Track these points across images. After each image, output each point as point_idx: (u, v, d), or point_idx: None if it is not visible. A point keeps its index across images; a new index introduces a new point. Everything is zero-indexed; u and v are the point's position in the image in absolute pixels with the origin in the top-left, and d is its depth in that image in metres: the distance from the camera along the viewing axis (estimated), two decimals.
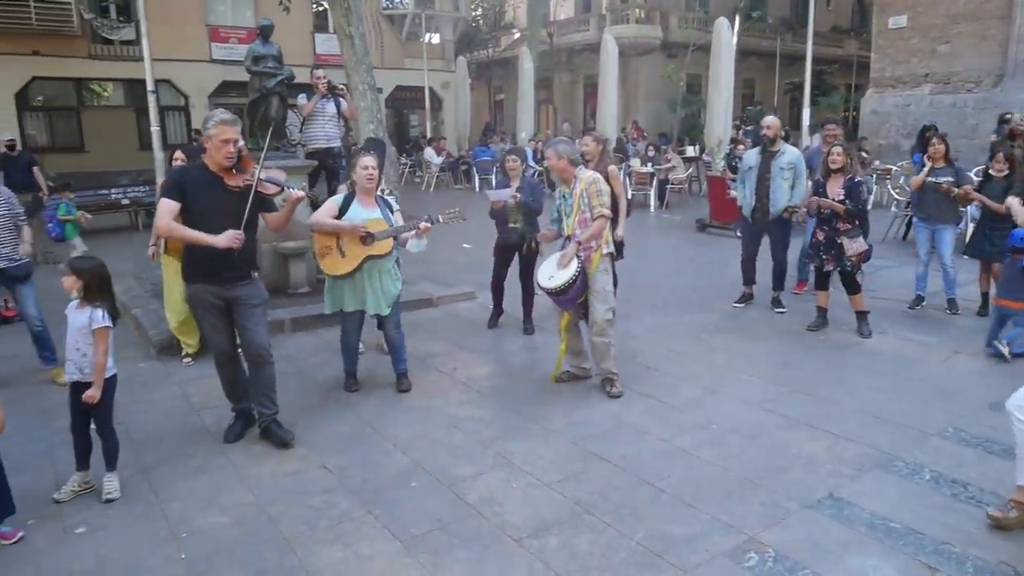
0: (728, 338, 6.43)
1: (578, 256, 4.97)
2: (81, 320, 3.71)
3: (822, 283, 6.57)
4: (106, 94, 21.03)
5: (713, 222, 12.28)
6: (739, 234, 8.21)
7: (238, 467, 4.15)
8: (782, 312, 7.10)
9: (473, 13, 31.24)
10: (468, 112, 23.76)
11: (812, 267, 6.61)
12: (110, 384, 3.83)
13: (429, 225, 5.02)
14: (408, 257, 6.13)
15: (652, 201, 15.15)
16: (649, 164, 15.88)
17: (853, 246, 6.14)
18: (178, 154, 5.84)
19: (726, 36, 14.96)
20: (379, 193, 5.18)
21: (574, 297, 5.03)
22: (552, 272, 5.04)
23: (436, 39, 26.63)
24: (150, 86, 12.21)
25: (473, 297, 7.79)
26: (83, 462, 3.84)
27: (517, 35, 32.29)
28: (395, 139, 21.75)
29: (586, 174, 5.10)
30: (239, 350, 4.44)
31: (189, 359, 5.92)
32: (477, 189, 18.73)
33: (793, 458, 4.16)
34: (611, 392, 5.14)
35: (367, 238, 4.88)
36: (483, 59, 31.80)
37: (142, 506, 3.75)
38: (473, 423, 4.70)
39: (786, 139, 7.29)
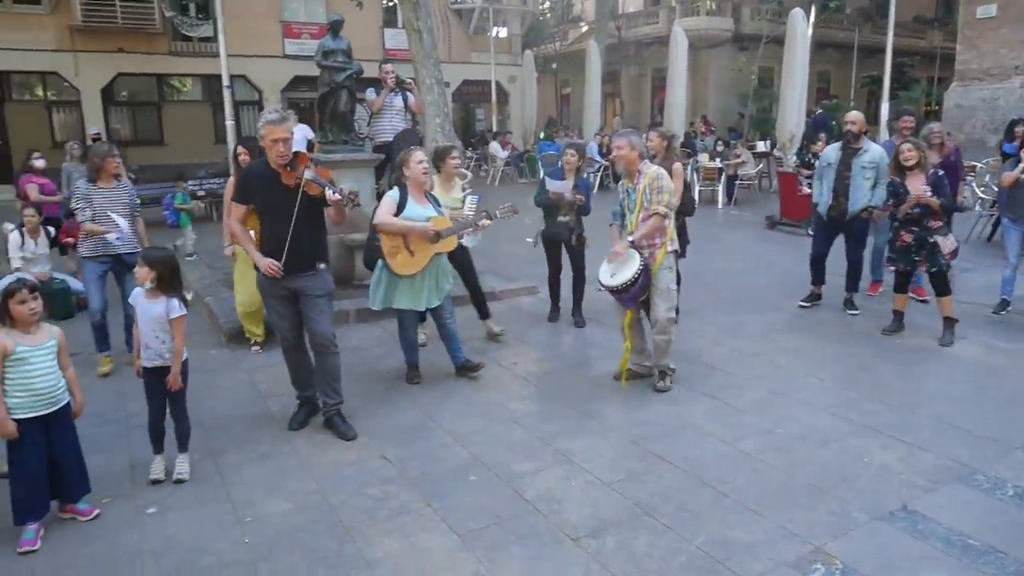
0: (796, 339, 6.24)
1: (641, 253, 4.88)
2: (157, 310, 3.81)
3: (902, 286, 6.29)
4: (185, 89, 21.80)
5: (783, 220, 11.94)
6: (810, 232, 7.95)
7: (302, 455, 4.24)
8: (855, 314, 6.85)
9: (541, 7, 31.15)
10: (534, 106, 23.69)
11: (892, 270, 6.30)
12: (184, 369, 3.95)
13: (489, 222, 5.07)
14: (472, 251, 6.15)
15: (720, 197, 14.83)
16: (718, 159, 15.55)
17: (947, 244, 5.87)
18: (240, 149, 5.98)
19: (801, 27, 14.49)
20: (463, 186, 5.29)
21: (636, 295, 4.96)
22: (613, 269, 4.96)
23: (503, 33, 26.65)
24: (226, 81, 12.59)
25: (535, 292, 7.77)
26: (160, 445, 3.97)
27: (585, 28, 32.05)
28: (461, 133, 21.87)
29: (651, 169, 4.99)
30: (305, 339, 4.53)
31: (257, 347, 6.08)
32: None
33: (864, 467, 4.00)
34: (659, 386, 5.06)
35: (435, 237, 4.90)
36: (550, 53, 31.66)
37: (209, 489, 3.86)
38: (532, 419, 4.68)
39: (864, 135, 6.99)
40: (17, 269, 6.55)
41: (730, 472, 3.95)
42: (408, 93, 8.15)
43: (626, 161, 4.99)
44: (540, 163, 19.31)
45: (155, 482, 3.88)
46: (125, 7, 18.52)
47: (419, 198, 5.03)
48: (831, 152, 7.01)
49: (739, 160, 15.60)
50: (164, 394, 3.92)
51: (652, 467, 4.03)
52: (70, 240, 7.66)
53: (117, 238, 5.43)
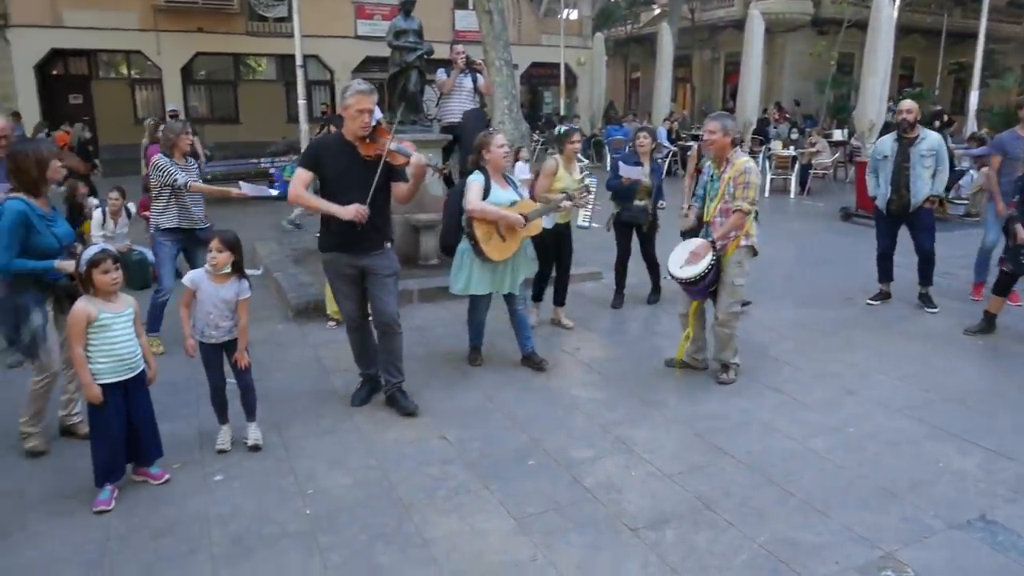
0: (870, 335, 6.00)
1: (714, 248, 4.77)
2: (228, 293, 3.87)
3: (1006, 288, 5.92)
4: (260, 69, 22.31)
5: (860, 211, 11.50)
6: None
7: (363, 431, 4.29)
8: (933, 311, 6.55)
9: None
10: (603, 90, 23.39)
11: (1002, 269, 5.91)
12: (248, 342, 4.03)
13: (569, 203, 5.09)
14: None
15: (793, 186, 14.39)
16: (792, 147, 15.08)
17: None
18: (332, 129, 6.11)
19: (886, 11, 13.83)
20: (580, 168, 5.28)
21: (705, 288, 4.87)
22: (683, 261, 4.86)
23: (574, 15, 26.34)
24: (299, 61, 12.78)
25: (599, 277, 7.69)
26: (225, 415, 4.07)
27: (657, 11, 31.43)
28: (528, 116, 21.78)
29: (740, 159, 4.79)
30: (369, 318, 4.57)
31: (333, 324, 6.16)
32: (607, 168, 18.44)
33: (939, 472, 3.82)
34: (722, 379, 4.96)
35: (524, 222, 4.90)
36: (620, 36, 31.18)
37: (273, 461, 3.95)
38: (594, 405, 4.64)
39: (949, 124, 6.66)
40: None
41: (796, 470, 3.83)
42: (478, 74, 8.13)
43: (717, 147, 4.80)
44: (607, 148, 19.09)
45: (222, 452, 3.98)
46: None
47: (500, 182, 5.00)
48: (886, 144, 6.68)
49: (814, 149, 15.10)
50: (222, 364, 3.99)
51: (715, 461, 3.94)
52: (145, 215, 7.93)
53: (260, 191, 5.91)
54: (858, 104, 14.97)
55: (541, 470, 3.85)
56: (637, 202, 6.29)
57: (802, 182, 14.55)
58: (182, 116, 13.31)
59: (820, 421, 4.41)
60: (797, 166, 14.49)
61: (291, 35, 13.20)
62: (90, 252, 3.44)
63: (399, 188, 4.34)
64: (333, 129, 6.01)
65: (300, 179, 4.30)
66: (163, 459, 3.78)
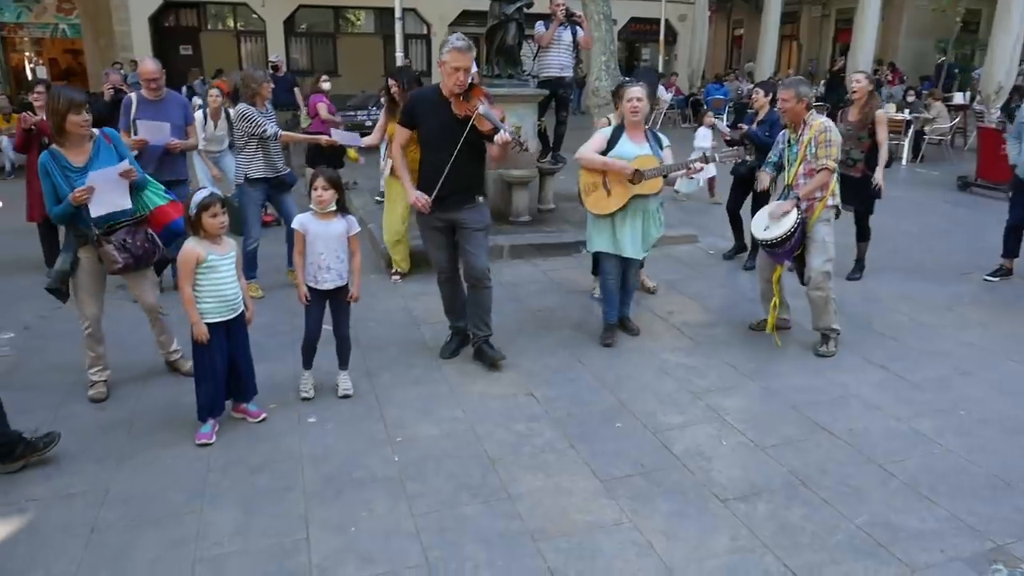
0: (987, 313, 5.61)
1: (798, 208, 4.62)
2: (339, 229, 3.92)
3: None
4: (358, 22, 22.50)
5: (979, 181, 10.73)
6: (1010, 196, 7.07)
7: (451, 383, 4.33)
8: None
9: None
10: (704, 48, 22.51)
11: None
12: (348, 290, 4.09)
13: (703, 166, 4.68)
14: None
15: (906, 153, 13.53)
16: (906, 111, 14.14)
17: None
18: (391, 81, 6.09)
19: None
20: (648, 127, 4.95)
21: (791, 250, 4.70)
22: (768, 223, 4.70)
23: None
24: (398, 13, 12.80)
25: (694, 240, 7.47)
26: (311, 362, 4.14)
27: None
28: (625, 73, 21.23)
29: (817, 120, 4.68)
30: (459, 271, 4.58)
31: (397, 276, 6.24)
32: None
33: None
34: (822, 351, 4.77)
35: (635, 176, 4.59)
36: None
37: (364, 407, 4.03)
38: (685, 371, 4.52)
39: None
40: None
41: (900, 451, 3.63)
42: (578, 27, 7.90)
43: (792, 113, 4.73)
44: (707, 106, 18.46)
45: (305, 399, 4.06)
46: None
47: (635, 135, 4.73)
48: None
49: (928, 115, 14.12)
50: (323, 313, 4.05)
51: (811, 435, 3.78)
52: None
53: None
54: (985, 66, 13.88)
55: (628, 433, 3.79)
56: (748, 157, 6.06)
57: (915, 148, 13.66)
58: (284, 67, 13.55)
59: (928, 401, 4.16)
60: (911, 131, 13.59)
61: None
62: (200, 196, 3.55)
63: (491, 149, 4.29)
64: (393, 84, 5.99)
65: (399, 137, 4.38)
66: (260, 399, 3.93)
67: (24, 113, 6.21)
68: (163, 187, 4.26)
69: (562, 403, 4.10)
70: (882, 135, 6.03)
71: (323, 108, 9.42)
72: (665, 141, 4.82)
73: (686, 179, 4.85)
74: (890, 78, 19.89)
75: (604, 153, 4.69)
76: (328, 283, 3.95)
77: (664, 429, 3.82)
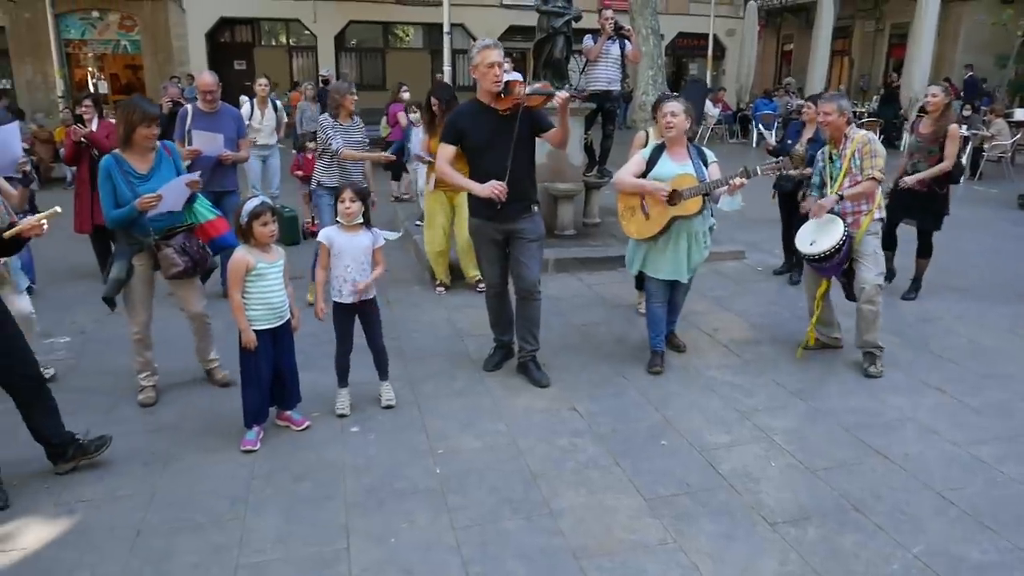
0: None
1: (844, 220, 4.52)
2: (365, 241, 3.91)
3: None
4: (407, 38, 22.83)
5: None
6: None
7: (495, 396, 4.30)
8: None
9: None
10: (752, 63, 22.26)
11: None
12: (375, 304, 4.06)
13: (744, 180, 4.24)
14: None
15: (964, 170, 13.13)
16: (964, 127, 13.73)
17: None
18: (433, 100, 6.11)
19: None
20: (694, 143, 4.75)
21: (838, 264, 4.58)
22: (814, 237, 4.59)
23: None
24: (447, 28, 12.93)
25: (741, 256, 7.34)
26: (345, 379, 4.11)
27: None
28: (672, 88, 21.13)
29: (858, 133, 4.59)
30: (509, 286, 4.55)
31: (441, 288, 6.24)
32: (754, 144, 17.65)
33: None
34: (870, 371, 4.62)
35: (673, 197, 4.33)
36: (773, 5, 29.47)
37: (407, 418, 4.02)
38: (732, 389, 4.42)
39: None
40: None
41: (960, 479, 3.48)
42: (626, 41, 7.87)
43: (834, 127, 4.63)
44: (756, 122, 18.26)
45: (341, 416, 4.01)
46: None
47: (676, 153, 4.46)
48: None
49: (987, 133, 13.69)
50: (353, 328, 4.03)
51: (865, 459, 3.65)
52: (299, 173, 8.29)
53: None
54: None
55: (674, 451, 3.71)
56: (793, 171, 5.93)
57: (973, 165, 13.26)
58: (334, 80, 13.84)
59: (989, 427, 3.99)
60: (969, 148, 13.20)
61: (439, 3, 13.37)
62: (252, 204, 3.60)
63: (550, 134, 4.21)
64: (435, 102, 6.00)
65: (444, 155, 4.28)
66: (303, 408, 3.95)
67: (73, 126, 6.23)
68: (210, 202, 4.36)
69: (606, 419, 4.04)
70: (951, 150, 5.83)
71: (403, 117, 9.70)
72: (711, 157, 4.59)
73: (728, 196, 4.49)
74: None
75: (644, 174, 4.47)
76: (350, 297, 3.93)
77: (711, 448, 3.73)
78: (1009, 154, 14.31)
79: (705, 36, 22.30)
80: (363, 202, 3.87)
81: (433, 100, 6.10)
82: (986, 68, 23.01)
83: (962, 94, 18.91)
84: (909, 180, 5.88)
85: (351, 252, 3.88)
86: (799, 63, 26.54)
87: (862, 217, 4.59)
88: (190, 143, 5.57)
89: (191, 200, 4.09)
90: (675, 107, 4.38)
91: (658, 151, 4.51)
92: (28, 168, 5.32)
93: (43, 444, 3.41)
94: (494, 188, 4.06)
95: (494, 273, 4.49)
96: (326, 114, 5.76)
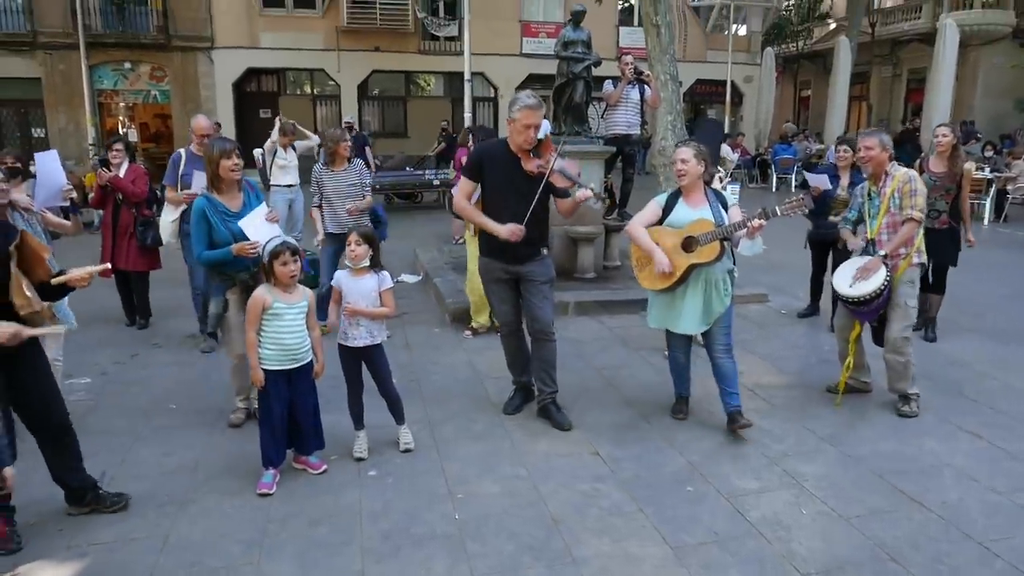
0: None
1: (886, 265, 4.40)
2: (371, 284, 3.86)
3: None
4: (428, 87, 23.26)
5: None
6: None
7: (514, 439, 4.22)
8: None
9: (785, 2, 29.36)
10: (771, 108, 22.40)
11: None
12: (381, 351, 3.99)
13: (762, 222, 3.98)
14: None
15: (988, 212, 13.00)
16: (985, 169, 13.64)
17: None
18: (471, 140, 6.19)
19: None
20: (715, 186, 4.64)
21: (877, 309, 4.49)
22: (852, 280, 4.48)
23: (742, 31, 25.47)
24: (467, 76, 13.17)
25: (764, 300, 7.24)
26: (361, 422, 4.05)
27: (832, 26, 29.72)
28: (690, 133, 21.26)
29: (899, 171, 4.50)
30: (523, 326, 4.50)
31: (469, 333, 6.18)
32: (774, 189, 17.63)
33: None
34: (904, 410, 4.53)
35: (689, 243, 4.13)
36: (790, 52, 29.76)
37: (426, 461, 3.94)
38: (759, 434, 4.29)
39: None
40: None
41: (1002, 528, 3.33)
42: (645, 86, 7.93)
43: (875, 162, 4.53)
44: (774, 168, 18.29)
45: (359, 459, 3.94)
46: (384, 9, 20.16)
47: (693, 199, 4.25)
48: None
49: (1011, 174, 13.59)
50: (361, 371, 3.99)
51: (900, 507, 3.51)
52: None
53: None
54: None
55: (701, 498, 3.59)
56: (832, 217, 5.85)
57: (998, 208, 13.13)
58: (356, 127, 14.12)
59: None
60: (993, 190, 13.09)
61: (460, 53, 13.67)
62: (272, 244, 3.60)
63: (561, 204, 4.28)
64: (471, 142, 6.08)
65: (463, 189, 4.33)
66: (322, 450, 3.88)
67: (100, 170, 6.28)
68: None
69: (629, 463, 3.93)
70: (966, 190, 5.87)
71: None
72: (731, 199, 4.39)
73: (748, 240, 4.21)
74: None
75: (660, 222, 4.29)
76: (359, 340, 3.88)
77: (739, 494, 3.61)
78: None
79: (723, 83, 22.51)
80: (370, 245, 3.85)
81: (471, 141, 6.16)
82: (1005, 111, 22.99)
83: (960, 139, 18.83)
84: (971, 237, 5.96)
85: (356, 295, 3.85)
86: (817, 108, 26.70)
87: (900, 261, 4.48)
88: (184, 188, 5.54)
89: None
90: (685, 153, 4.19)
91: (674, 197, 4.33)
92: (74, 195, 5.37)
93: (62, 487, 3.38)
94: (513, 231, 4.05)
95: (506, 312, 4.46)
96: (319, 164, 5.88)
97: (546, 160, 4.08)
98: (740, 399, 4.31)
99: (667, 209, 4.30)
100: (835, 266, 6.01)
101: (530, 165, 4.11)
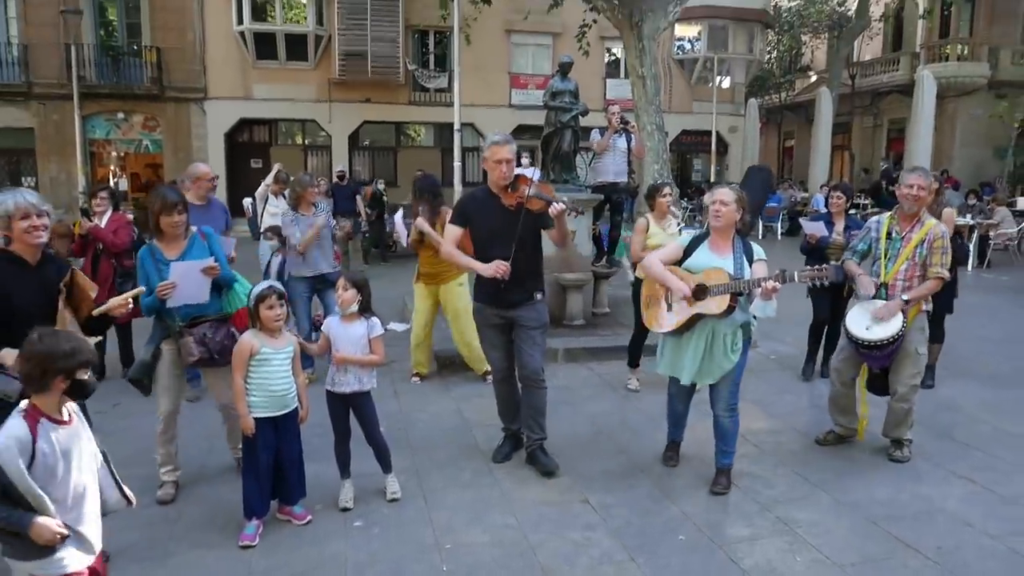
0: None
1: (904, 311, 4.38)
2: (360, 331, 3.83)
3: None
4: (418, 137, 23.56)
5: None
6: None
7: (503, 488, 4.15)
8: None
9: (767, 55, 30.13)
10: (756, 157, 22.79)
11: None
12: (370, 399, 3.95)
13: (777, 285, 3.72)
14: None
15: (971, 259, 13.14)
16: (968, 215, 13.87)
17: None
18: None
19: None
20: (677, 223, 4.66)
21: (891, 355, 4.44)
22: (868, 323, 4.43)
23: (726, 83, 26.05)
24: (457, 126, 13.33)
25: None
26: (348, 470, 3.98)
27: (814, 78, 30.48)
28: (678, 184, 21.56)
29: (931, 221, 4.44)
30: (514, 372, 4.48)
31: (417, 379, 6.17)
32: (760, 237, 17.79)
33: None
34: (896, 455, 4.50)
35: (699, 292, 3.94)
36: (773, 104, 30.43)
37: (413, 511, 3.87)
38: (751, 480, 4.25)
39: None
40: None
41: (997, 573, 3.29)
42: (631, 135, 8.06)
43: (922, 203, 4.42)
44: (760, 216, 18.48)
45: (344, 509, 3.85)
46: (375, 62, 20.48)
47: (718, 245, 4.04)
48: None
49: (992, 221, 13.82)
50: (348, 418, 3.94)
51: (895, 554, 3.46)
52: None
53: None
54: None
55: (693, 546, 3.53)
56: (832, 262, 5.87)
57: (980, 254, 13.30)
58: (348, 177, 14.24)
59: None
60: (976, 236, 13.28)
61: (450, 104, 13.85)
62: (258, 288, 3.59)
63: (550, 233, 4.31)
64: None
65: (451, 236, 4.35)
66: (306, 500, 3.81)
67: (82, 219, 6.23)
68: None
69: (620, 511, 3.87)
70: (950, 232, 5.89)
71: None
72: (759, 254, 4.06)
73: (761, 301, 3.88)
74: (946, 184, 19.69)
75: (680, 262, 4.12)
76: (346, 387, 3.84)
77: (732, 542, 3.55)
78: (1016, 241, 14.39)
79: (708, 133, 22.90)
80: (359, 291, 3.82)
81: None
82: (984, 159, 23.50)
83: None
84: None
85: (344, 342, 3.82)
86: (801, 158, 27.17)
87: (910, 308, 4.42)
88: None
89: (225, 285, 4.03)
90: (726, 196, 3.98)
91: (698, 240, 4.13)
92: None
93: None
94: (498, 267, 4.06)
95: (498, 358, 4.46)
96: (288, 209, 6.09)
97: (521, 191, 4.13)
98: (733, 459, 4.21)
99: (688, 251, 4.13)
100: (835, 314, 5.99)
101: (510, 200, 4.16)
